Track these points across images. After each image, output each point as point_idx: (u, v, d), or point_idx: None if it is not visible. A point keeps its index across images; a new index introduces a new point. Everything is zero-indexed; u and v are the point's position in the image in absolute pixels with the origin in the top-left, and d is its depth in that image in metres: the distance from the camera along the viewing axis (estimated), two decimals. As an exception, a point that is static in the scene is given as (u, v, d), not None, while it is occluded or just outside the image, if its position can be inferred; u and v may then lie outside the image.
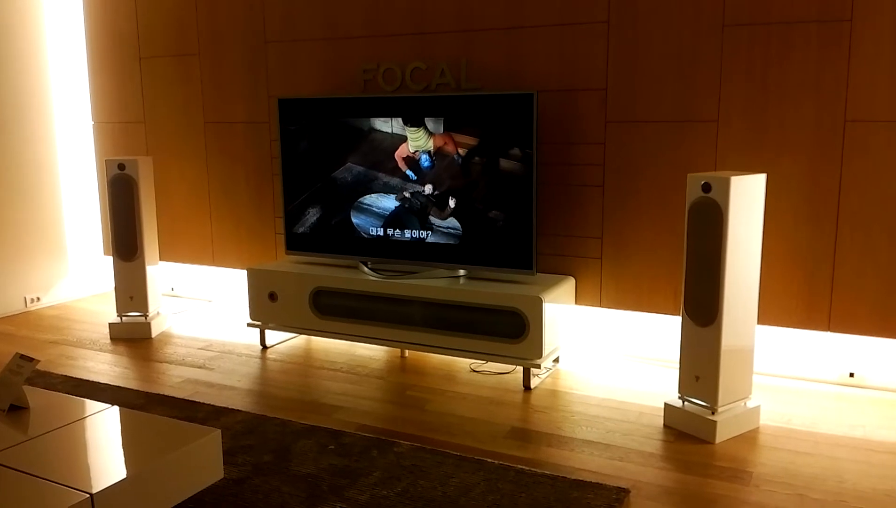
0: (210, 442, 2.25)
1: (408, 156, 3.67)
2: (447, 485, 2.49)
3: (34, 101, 4.85)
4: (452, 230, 3.63)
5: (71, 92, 5.06)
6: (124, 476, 1.97)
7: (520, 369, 3.50)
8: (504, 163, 3.46)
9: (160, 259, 4.49)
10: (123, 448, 2.21)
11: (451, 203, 3.61)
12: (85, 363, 3.85)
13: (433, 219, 3.67)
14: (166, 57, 4.69)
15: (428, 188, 3.65)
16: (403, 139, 3.67)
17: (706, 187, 2.78)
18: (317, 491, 2.46)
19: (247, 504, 2.40)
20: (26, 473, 1.98)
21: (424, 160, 3.64)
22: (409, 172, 3.69)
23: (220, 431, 2.29)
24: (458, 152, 3.56)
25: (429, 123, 3.60)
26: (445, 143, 3.58)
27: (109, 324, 4.29)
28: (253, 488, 2.49)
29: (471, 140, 3.52)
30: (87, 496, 1.86)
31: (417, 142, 3.64)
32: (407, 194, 3.71)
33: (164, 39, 4.68)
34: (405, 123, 3.65)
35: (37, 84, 4.86)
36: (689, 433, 2.91)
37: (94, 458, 2.14)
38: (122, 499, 1.95)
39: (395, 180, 3.73)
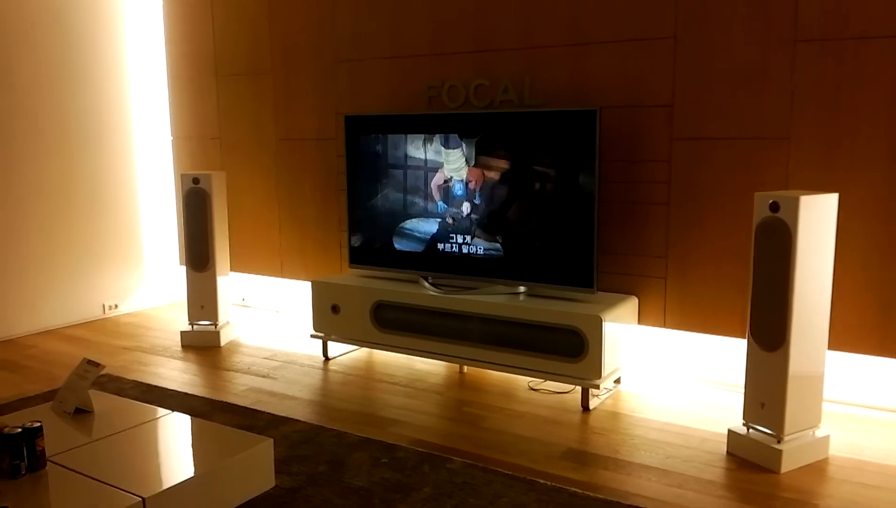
0: (262, 451, 2.29)
1: (469, 171, 3.68)
2: (497, 504, 2.47)
3: (115, 116, 5.07)
4: (513, 246, 3.61)
5: (151, 108, 5.28)
6: (178, 480, 2.03)
7: (579, 388, 3.44)
8: (566, 179, 3.43)
9: (231, 270, 4.62)
10: (178, 453, 2.27)
11: (513, 219, 3.59)
12: (156, 369, 3.99)
13: (493, 235, 3.66)
14: (241, 75, 4.84)
15: (489, 204, 3.65)
16: (465, 154, 3.68)
17: (774, 207, 2.69)
18: (368, 504, 2.48)
19: (298, 514, 2.43)
20: (84, 475, 2.06)
21: (485, 176, 3.64)
22: (470, 188, 3.69)
23: (272, 440, 2.33)
24: (519, 168, 3.54)
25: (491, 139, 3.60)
26: (507, 159, 3.57)
27: (181, 332, 4.43)
28: (305, 498, 2.52)
29: (532, 156, 3.50)
30: (140, 499, 1.92)
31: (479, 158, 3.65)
32: (468, 210, 3.72)
33: (239, 58, 4.83)
34: (469, 138, 3.66)
35: (118, 100, 5.08)
36: (753, 462, 2.80)
37: (149, 463, 2.21)
38: (174, 504, 2.00)
39: (457, 195, 3.74)
